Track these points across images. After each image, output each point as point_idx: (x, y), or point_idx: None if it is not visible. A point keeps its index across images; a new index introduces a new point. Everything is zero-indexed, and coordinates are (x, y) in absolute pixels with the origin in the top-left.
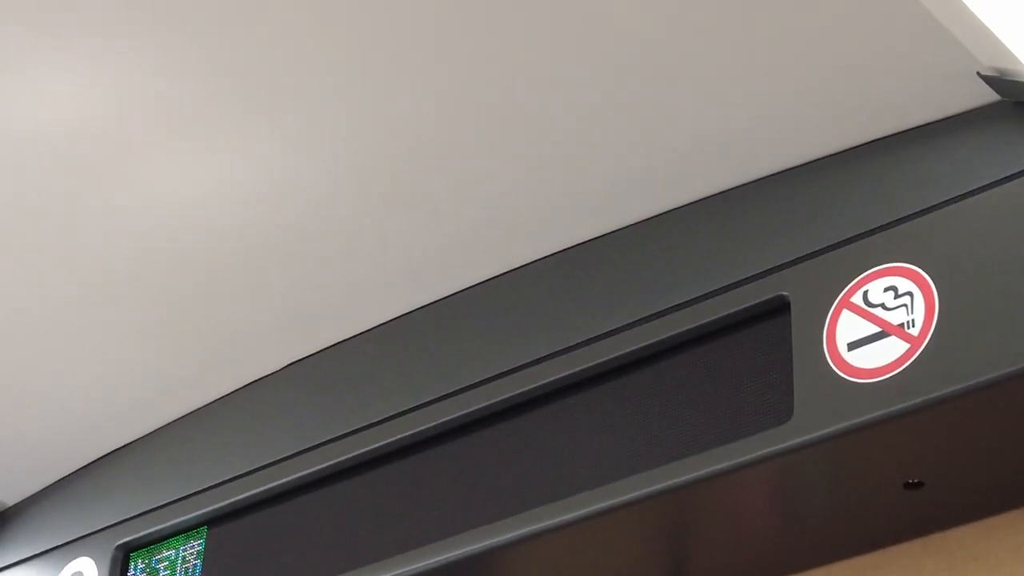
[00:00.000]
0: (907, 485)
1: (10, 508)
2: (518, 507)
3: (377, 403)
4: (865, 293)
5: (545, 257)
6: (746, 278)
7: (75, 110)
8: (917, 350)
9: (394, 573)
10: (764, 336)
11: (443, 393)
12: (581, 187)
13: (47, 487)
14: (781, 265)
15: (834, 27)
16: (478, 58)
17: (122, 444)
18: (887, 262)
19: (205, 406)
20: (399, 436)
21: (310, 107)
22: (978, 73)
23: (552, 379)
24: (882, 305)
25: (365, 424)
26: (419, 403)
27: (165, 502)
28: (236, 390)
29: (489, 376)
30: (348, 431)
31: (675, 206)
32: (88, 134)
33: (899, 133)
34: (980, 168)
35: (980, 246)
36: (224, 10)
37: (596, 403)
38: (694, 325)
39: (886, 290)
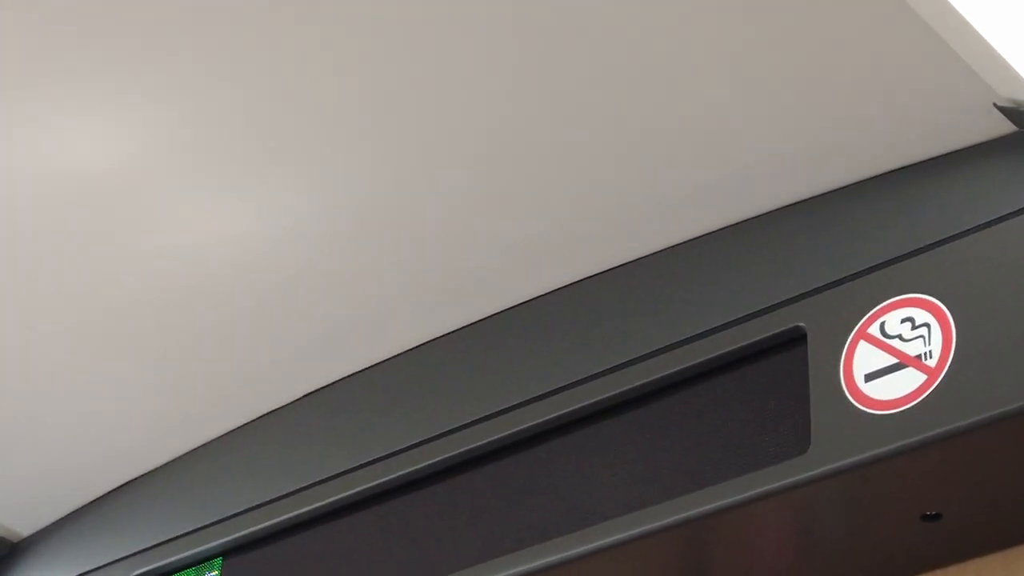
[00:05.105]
0: (925, 517)
1: (24, 539)
2: (533, 539)
3: (394, 433)
4: (882, 324)
5: (560, 288)
6: (762, 309)
7: (97, 151)
8: (935, 382)
9: None
10: (780, 367)
11: (458, 424)
12: (594, 219)
13: (61, 518)
14: (797, 296)
15: (850, 58)
16: (495, 95)
17: (137, 475)
18: (904, 293)
19: (221, 436)
20: (417, 466)
21: (329, 146)
22: (995, 104)
23: (566, 411)
24: (899, 336)
25: (382, 454)
26: (434, 434)
27: (180, 533)
28: (252, 420)
29: (503, 408)
30: (364, 461)
31: (690, 237)
32: (110, 173)
33: (915, 164)
34: (997, 199)
35: (998, 277)
36: (250, 54)
37: (611, 434)
38: (710, 356)
39: (903, 321)
